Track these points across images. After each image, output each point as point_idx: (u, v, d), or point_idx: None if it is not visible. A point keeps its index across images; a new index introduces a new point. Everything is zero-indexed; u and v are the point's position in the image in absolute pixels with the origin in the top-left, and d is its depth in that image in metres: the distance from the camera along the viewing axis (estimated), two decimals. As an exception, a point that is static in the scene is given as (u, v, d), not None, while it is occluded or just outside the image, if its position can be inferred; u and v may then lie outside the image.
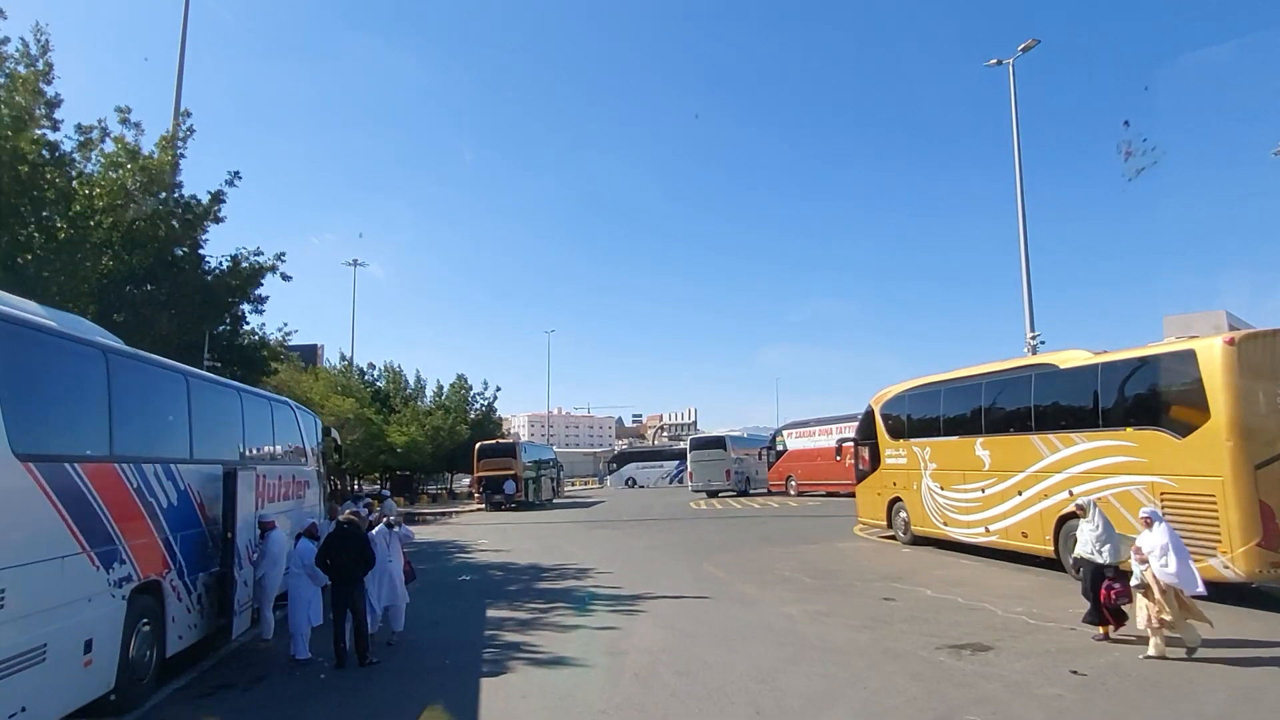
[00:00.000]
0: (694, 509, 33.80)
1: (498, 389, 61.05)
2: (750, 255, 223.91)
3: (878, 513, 19.13)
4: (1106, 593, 8.56)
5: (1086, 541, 8.97)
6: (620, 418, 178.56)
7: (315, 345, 57.59)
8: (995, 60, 23.21)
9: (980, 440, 14.90)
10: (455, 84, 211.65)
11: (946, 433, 16.19)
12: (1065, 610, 10.01)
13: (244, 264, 17.38)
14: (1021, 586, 12.11)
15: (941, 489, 16.23)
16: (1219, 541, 9.86)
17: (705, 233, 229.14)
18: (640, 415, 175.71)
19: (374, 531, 9.92)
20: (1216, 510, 9.89)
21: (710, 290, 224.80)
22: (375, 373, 58.57)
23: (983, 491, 14.80)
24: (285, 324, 28.97)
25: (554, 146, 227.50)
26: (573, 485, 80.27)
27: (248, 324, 19.52)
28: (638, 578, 14.29)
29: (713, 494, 42.90)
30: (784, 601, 11.53)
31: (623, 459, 73.00)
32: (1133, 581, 8.23)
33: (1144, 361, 11.30)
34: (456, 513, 39.08)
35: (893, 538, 18.71)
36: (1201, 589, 7.79)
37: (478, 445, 42.09)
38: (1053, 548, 12.94)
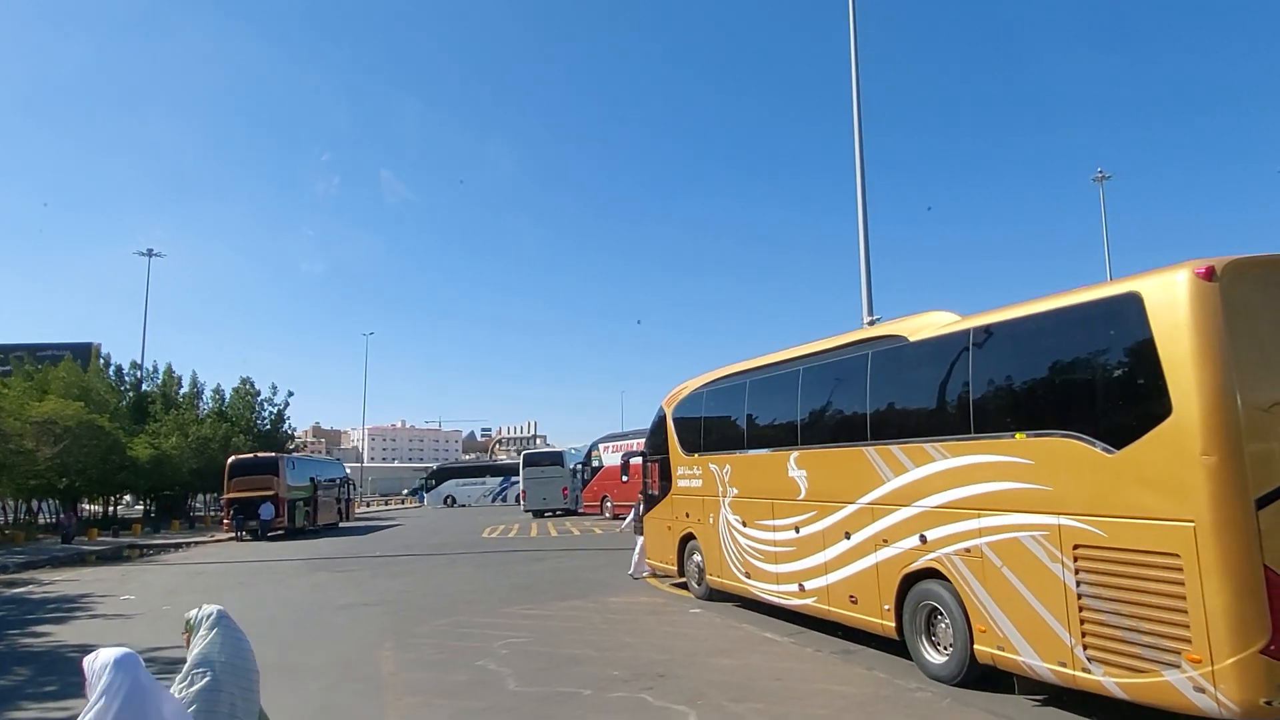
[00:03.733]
0: (483, 538, 28.51)
1: (289, 394, 53.24)
2: (597, 261, 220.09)
3: (668, 553, 14.17)
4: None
5: None
6: (473, 432, 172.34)
7: (90, 344, 49.47)
8: None
9: (795, 455, 10.17)
10: (264, 75, 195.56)
11: (751, 444, 11.40)
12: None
13: None
14: (849, 698, 7.30)
15: (744, 525, 11.42)
16: (1185, 642, 5.34)
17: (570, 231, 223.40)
18: (490, 429, 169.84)
19: None
20: (1182, 581, 5.36)
21: (567, 295, 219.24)
22: (138, 374, 49.66)
23: (796, 531, 10.06)
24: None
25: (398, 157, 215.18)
26: (385, 505, 72.95)
27: None
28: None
29: (539, 514, 39.81)
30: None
31: (441, 475, 66.27)
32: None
33: (1047, 322, 6.77)
34: (192, 543, 31.39)
35: (686, 587, 13.82)
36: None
37: (229, 461, 34.50)
38: (894, 622, 8.28)
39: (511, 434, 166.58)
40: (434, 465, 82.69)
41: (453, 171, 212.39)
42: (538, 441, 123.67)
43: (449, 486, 62.65)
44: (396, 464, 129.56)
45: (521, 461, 46.56)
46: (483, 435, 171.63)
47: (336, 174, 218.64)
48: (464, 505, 59.03)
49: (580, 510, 38.89)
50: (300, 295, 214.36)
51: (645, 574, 15.55)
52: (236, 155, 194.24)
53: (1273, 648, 5.01)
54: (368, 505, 71.38)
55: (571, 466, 40.80)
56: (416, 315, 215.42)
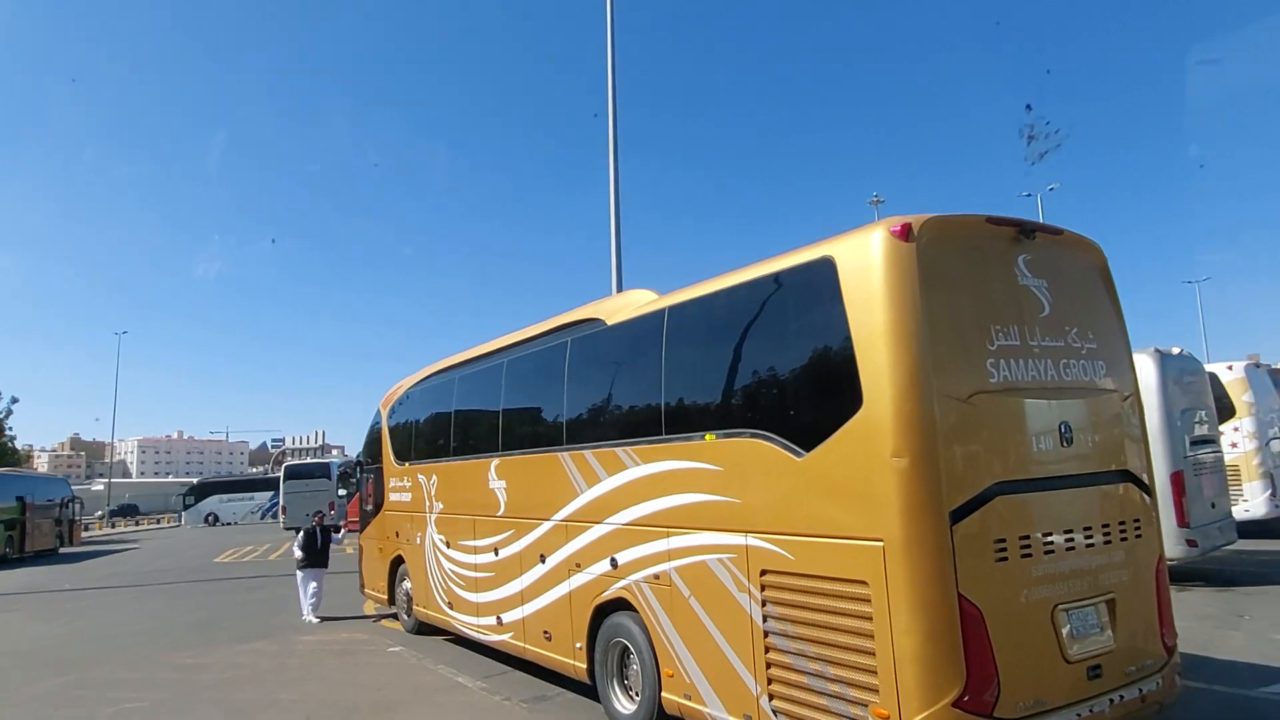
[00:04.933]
0: (214, 563, 24.93)
1: (13, 400, 45.21)
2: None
3: (379, 579, 12.13)
4: None
5: None
6: (265, 443, 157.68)
7: None
8: None
9: (496, 463, 8.58)
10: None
11: (456, 451, 9.70)
12: None
13: None
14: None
15: (447, 546, 9.68)
16: (872, 692, 4.22)
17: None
18: (281, 439, 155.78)
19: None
20: (869, 616, 4.25)
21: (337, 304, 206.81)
22: None
23: (496, 554, 8.46)
24: None
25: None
26: (136, 526, 64.18)
27: None
28: None
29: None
30: None
31: (202, 491, 58.98)
32: None
33: (739, 296, 5.57)
34: None
35: (396, 618, 11.85)
36: None
37: (-114, 478, 28.09)
38: (585, 663, 6.86)
39: (300, 444, 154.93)
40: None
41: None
42: (334, 452, 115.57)
43: (212, 503, 56.00)
44: (171, 478, 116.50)
45: (282, 474, 42.50)
46: (273, 445, 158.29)
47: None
48: (229, 523, 52.82)
49: (344, 526, 35.48)
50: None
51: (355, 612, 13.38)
52: None
53: (966, 699, 3.97)
54: (112, 526, 62.45)
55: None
56: (183, 323, 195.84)
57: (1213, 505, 11.29)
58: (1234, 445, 14.30)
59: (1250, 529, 13.61)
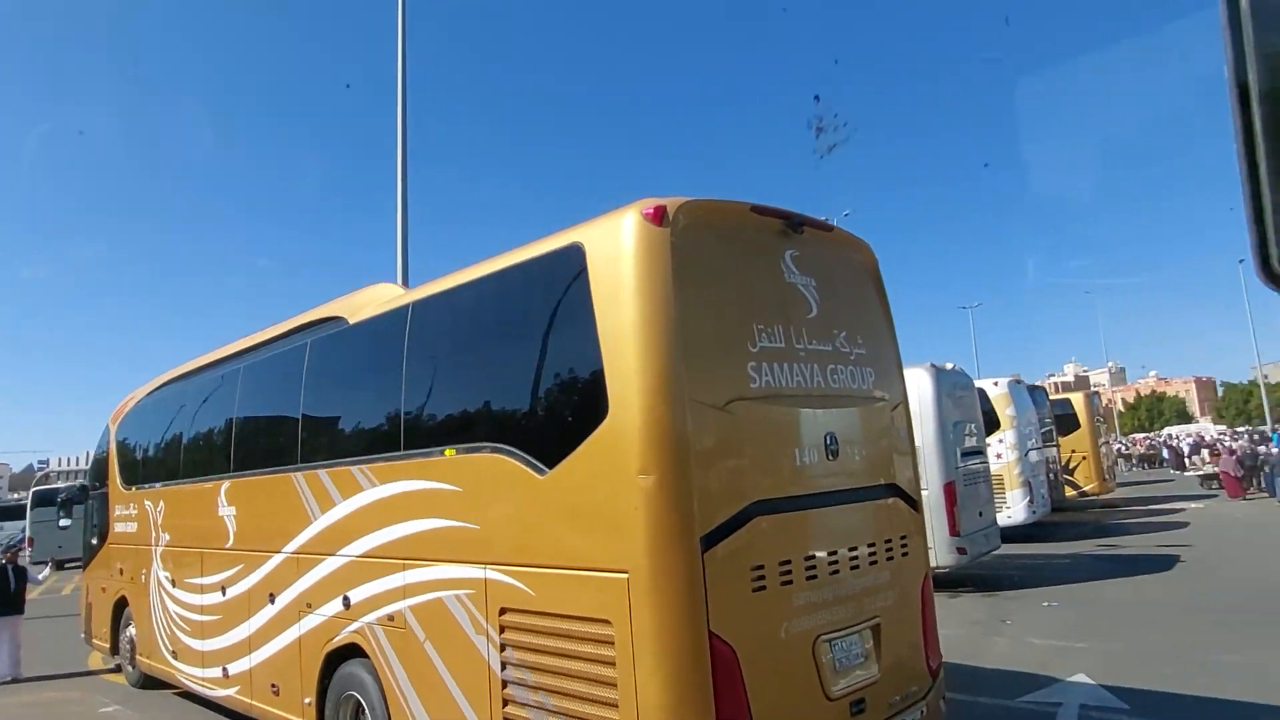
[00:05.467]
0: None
1: None
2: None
3: (102, 624, 10.27)
4: None
5: None
6: (31, 465, 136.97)
7: None
8: None
9: (226, 486, 7.32)
10: None
11: (186, 472, 8.28)
12: None
13: None
14: None
15: (173, 584, 8.21)
16: (618, 745, 3.60)
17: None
18: (46, 460, 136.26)
19: None
20: (613, 661, 3.61)
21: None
22: None
23: (223, 593, 7.19)
24: None
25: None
26: None
27: None
28: None
29: (61, 565, 30.84)
30: None
31: (-65, 523, 50.23)
32: None
33: (487, 289, 4.82)
34: None
35: (120, 670, 10.05)
36: None
37: None
38: (316, 721, 5.82)
39: (67, 466, 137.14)
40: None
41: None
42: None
43: None
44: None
45: (30, 500, 36.94)
46: (38, 467, 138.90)
47: None
48: None
49: (50, 563, 31.29)
50: None
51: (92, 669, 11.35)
52: None
53: (708, 753, 3.42)
54: None
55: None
56: None
57: (980, 514, 11.84)
58: (999, 456, 15.31)
59: (1012, 534, 14.56)
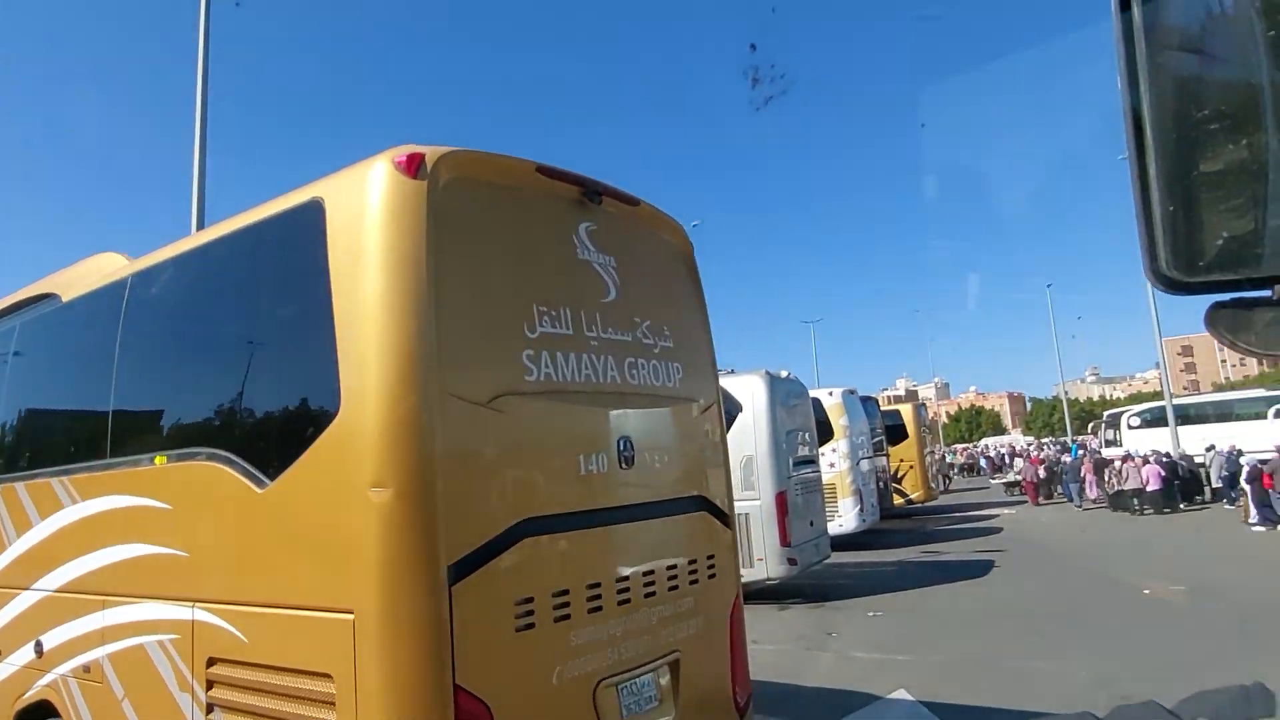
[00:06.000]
0: None
1: None
2: None
3: None
4: None
5: None
6: None
7: None
8: None
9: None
10: None
11: None
12: None
13: None
14: None
15: None
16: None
17: None
18: None
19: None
20: (333, 715, 2.82)
21: None
22: None
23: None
24: None
25: None
26: None
27: None
28: None
29: None
30: None
31: None
32: None
33: (213, 256, 3.88)
34: None
35: None
36: None
37: None
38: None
39: None
40: None
41: None
42: None
43: None
44: None
45: None
46: None
47: None
48: None
49: None
50: None
51: None
52: None
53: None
54: None
55: None
56: None
57: (811, 523, 11.75)
58: (832, 465, 15.46)
59: (842, 542, 14.69)
